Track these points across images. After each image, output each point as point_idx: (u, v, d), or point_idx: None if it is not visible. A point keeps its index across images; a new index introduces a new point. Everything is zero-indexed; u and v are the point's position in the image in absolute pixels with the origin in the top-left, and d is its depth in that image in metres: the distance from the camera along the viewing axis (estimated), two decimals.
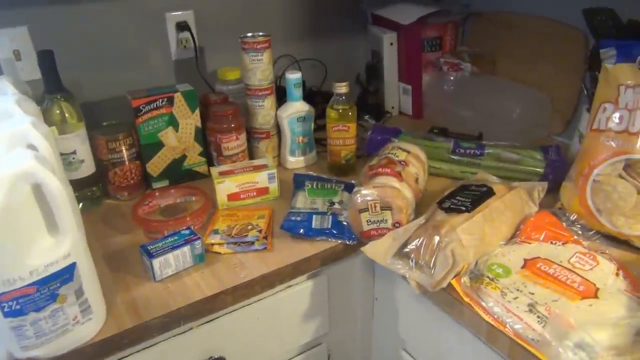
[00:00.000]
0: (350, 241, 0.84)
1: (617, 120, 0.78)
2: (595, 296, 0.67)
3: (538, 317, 0.65)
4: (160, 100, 0.98)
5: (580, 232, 0.82)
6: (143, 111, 0.97)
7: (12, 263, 0.56)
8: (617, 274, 0.72)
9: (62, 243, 0.60)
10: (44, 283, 0.58)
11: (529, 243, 0.79)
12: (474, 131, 1.16)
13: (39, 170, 0.56)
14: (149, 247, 0.77)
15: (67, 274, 0.60)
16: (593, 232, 0.82)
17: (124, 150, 0.97)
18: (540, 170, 0.97)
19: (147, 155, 1.01)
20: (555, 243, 0.79)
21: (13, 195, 0.54)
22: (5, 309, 0.56)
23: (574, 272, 0.71)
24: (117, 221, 0.93)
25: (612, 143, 0.78)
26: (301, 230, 0.85)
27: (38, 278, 0.57)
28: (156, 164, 1.02)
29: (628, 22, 0.88)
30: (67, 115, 0.90)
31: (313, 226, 0.86)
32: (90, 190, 0.97)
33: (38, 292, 0.58)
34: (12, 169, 0.55)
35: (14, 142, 0.63)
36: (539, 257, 0.75)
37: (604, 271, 0.72)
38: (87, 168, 0.95)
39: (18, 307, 0.57)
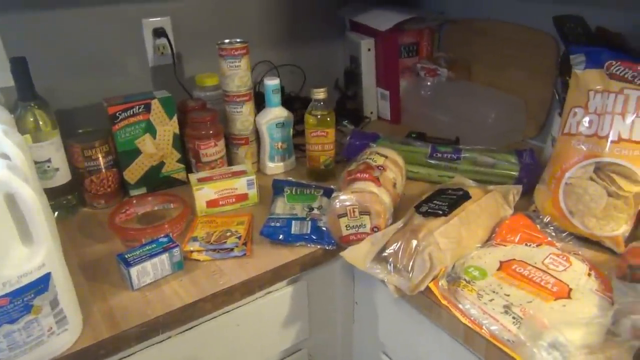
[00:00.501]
0: (330, 246, 0.85)
1: (587, 125, 0.80)
2: (569, 296, 0.69)
3: (513, 318, 0.66)
4: (137, 107, 0.97)
5: (553, 234, 0.84)
6: (120, 118, 0.96)
7: None
8: (589, 275, 0.74)
9: (36, 253, 0.59)
10: (18, 294, 0.57)
11: (505, 245, 0.81)
12: (451, 136, 1.18)
13: (12, 180, 0.55)
14: (126, 256, 0.76)
15: (42, 284, 0.59)
16: (566, 233, 0.84)
17: (101, 158, 0.96)
18: (515, 173, 0.99)
19: (124, 162, 1.00)
20: (530, 245, 0.81)
21: None
22: None
23: (548, 273, 0.73)
24: (93, 230, 0.92)
25: (583, 147, 0.80)
26: (280, 236, 0.85)
27: (11, 289, 0.56)
28: (133, 172, 1.01)
29: (596, 30, 0.91)
30: (41, 123, 0.88)
31: (292, 232, 0.86)
32: (66, 199, 0.95)
33: (11, 304, 0.57)
34: None
35: None
36: (514, 259, 0.77)
37: (577, 272, 0.74)
38: (63, 176, 0.93)
39: None
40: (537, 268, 0.74)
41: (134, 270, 0.74)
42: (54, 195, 0.92)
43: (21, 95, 0.88)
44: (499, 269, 0.75)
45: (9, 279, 0.56)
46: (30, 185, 0.58)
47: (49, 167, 0.90)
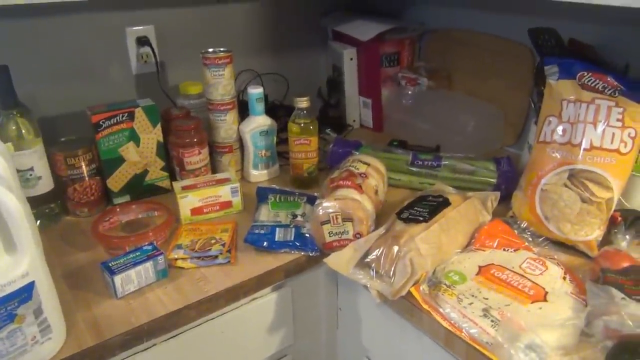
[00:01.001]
0: (313, 253, 0.86)
1: (560, 133, 0.83)
2: (545, 299, 0.71)
3: (492, 321, 0.68)
4: (121, 115, 0.97)
5: (530, 238, 0.87)
6: (103, 126, 0.96)
7: None
8: (564, 278, 0.76)
9: (19, 262, 0.59)
10: (1, 303, 0.57)
11: (483, 250, 0.83)
12: (431, 143, 1.20)
13: None
14: (110, 264, 0.76)
15: (25, 293, 0.59)
16: (542, 238, 0.87)
17: (84, 166, 0.96)
18: (493, 180, 1.01)
19: (107, 170, 1.00)
20: (508, 250, 0.83)
21: None
22: None
23: (525, 277, 0.75)
24: (77, 238, 0.92)
25: (557, 154, 0.83)
26: (265, 243, 0.86)
27: None
28: (117, 180, 1.01)
29: (569, 42, 0.94)
30: (23, 131, 0.88)
31: (276, 239, 0.87)
32: (49, 207, 0.95)
33: None
34: None
35: None
36: (492, 264, 0.79)
37: (553, 275, 0.76)
38: (45, 185, 0.93)
39: None
40: (514, 272, 0.76)
41: (117, 279, 0.74)
42: (36, 204, 0.91)
43: (3, 103, 0.87)
44: (478, 274, 0.77)
45: None
46: (13, 193, 0.58)
47: (31, 175, 0.90)
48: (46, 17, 1.04)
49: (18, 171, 0.87)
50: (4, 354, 0.59)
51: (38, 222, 0.92)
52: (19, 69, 0.90)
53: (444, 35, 1.36)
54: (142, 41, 1.16)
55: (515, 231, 0.87)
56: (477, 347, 0.66)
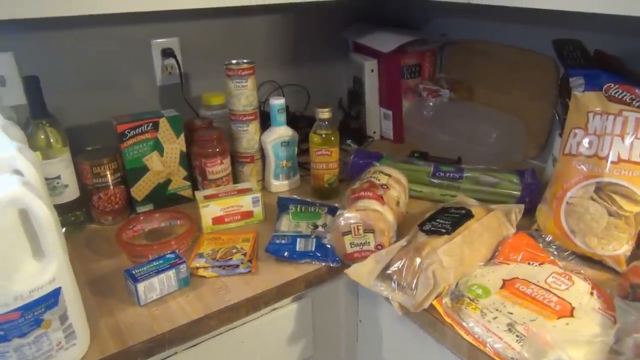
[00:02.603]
0: (334, 263, 0.86)
1: (587, 145, 0.82)
2: (571, 315, 0.70)
3: (517, 336, 0.66)
4: (146, 125, 0.99)
5: (556, 252, 0.85)
6: (128, 136, 0.98)
7: None
8: (591, 293, 0.74)
9: (47, 268, 0.60)
10: (29, 308, 0.58)
11: (507, 264, 0.82)
12: (453, 155, 1.19)
13: (26, 196, 0.57)
14: (133, 272, 0.77)
15: (52, 299, 0.60)
16: (568, 252, 0.85)
17: (109, 175, 0.97)
18: (517, 193, 1.00)
19: (131, 179, 1.01)
20: (533, 264, 0.81)
21: (0, 220, 0.55)
22: None
23: (551, 291, 0.74)
24: (101, 246, 0.93)
25: (583, 167, 0.82)
26: (285, 253, 0.86)
27: (23, 303, 0.57)
28: (141, 188, 1.03)
29: (595, 53, 0.93)
30: (52, 140, 0.90)
31: (297, 249, 0.87)
32: (74, 215, 0.97)
33: (22, 318, 0.58)
34: None
35: (0, 168, 0.63)
36: (517, 278, 0.77)
37: (579, 291, 0.75)
38: (71, 193, 0.95)
39: (2, 333, 0.57)
40: (539, 287, 0.75)
41: (141, 286, 0.75)
42: (62, 212, 0.93)
43: (33, 113, 0.90)
44: (502, 287, 0.76)
45: (20, 293, 0.57)
46: (43, 201, 0.60)
47: (58, 183, 0.92)
48: (75, 30, 1.07)
49: (46, 179, 0.89)
50: (30, 358, 0.60)
51: (64, 229, 0.93)
52: (48, 79, 0.92)
53: (466, 46, 1.36)
54: (167, 53, 1.18)
55: (540, 245, 0.86)
56: None
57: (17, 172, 0.64)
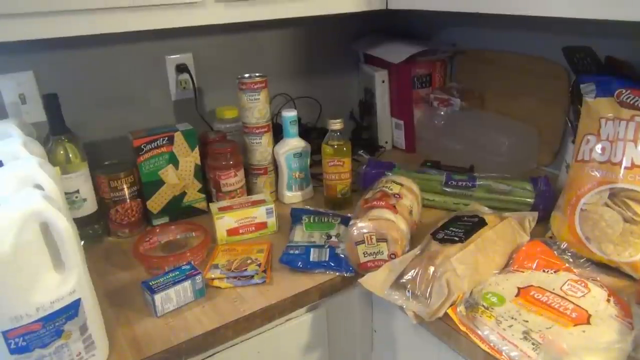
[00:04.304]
0: (348, 273, 0.86)
1: (599, 151, 0.81)
2: (588, 322, 0.69)
3: (533, 344, 0.66)
4: (161, 139, 1.01)
5: (571, 260, 0.84)
6: (144, 150, 1.00)
7: (19, 300, 0.57)
8: (608, 301, 0.73)
9: (67, 279, 0.61)
10: (50, 319, 0.59)
11: (522, 272, 0.81)
12: (465, 164, 1.19)
13: (48, 210, 0.59)
14: (150, 283, 0.78)
15: (72, 310, 0.62)
16: (584, 259, 0.84)
17: (126, 189, 0.99)
18: (531, 200, 0.99)
19: (148, 193, 1.03)
20: (548, 271, 0.81)
21: (23, 234, 0.57)
22: (12, 346, 0.58)
23: (567, 299, 0.73)
24: (118, 258, 0.95)
25: (597, 173, 0.81)
26: (299, 264, 0.87)
27: (44, 314, 0.59)
28: (157, 201, 1.04)
29: (607, 59, 0.93)
30: (70, 155, 0.93)
31: (311, 259, 0.88)
32: (92, 228, 0.99)
33: (44, 329, 0.59)
34: (22, 209, 0.57)
35: (22, 183, 0.65)
36: (532, 286, 0.77)
37: (596, 298, 0.74)
38: (90, 206, 0.97)
39: (24, 343, 0.58)
40: (555, 294, 0.74)
41: (158, 297, 0.76)
42: (81, 225, 0.94)
43: (52, 129, 0.92)
44: (517, 295, 0.75)
45: (42, 304, 0.59)
46: (63, 214, 0.61)
47: (77, 197, 0.94)
48: (92, 48, 1.10)
49: (65, 194, 0.91)
50: None
51: (82, 242, 0.95)
52: (66, 97, 0.95)
53: (476, 55, 1.36)
54: (181, 68, 1.21)
55: (555, 252, 0.85)
56: None
57: (38, 187, 0.66)
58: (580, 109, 0.87)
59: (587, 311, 0.71)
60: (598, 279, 0.79)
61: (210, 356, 0.78)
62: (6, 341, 0.57)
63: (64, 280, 0.61)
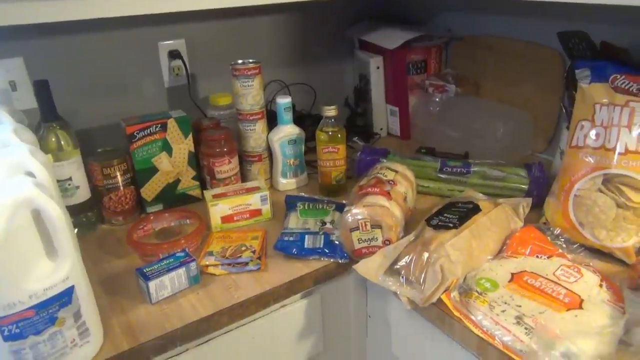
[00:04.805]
0: (342, 260, 0.86)
1: (594, 137, 0.81)
2: (580, 307, 0.70)
3: (525, 328, 0.67)
4: (154, 126, 1.00)
5: (564, 245, 0.85)
6: (137, 137, 0.99)
7: (12, 287, 0.57)
8: (600, 286, 0.74)
9: (60, 267, 0.61)
10: (43, 306, 0.59)
11: (516, 257, 0.82)
12: (460, 150, 1.19)
13: (39, 197, 0.58)
14: (144, 270, 0.78)
15: (66, 297, 0.62)
16: (577, 245, 0.85)
17: (119, 176, 0.99)
18: (525, 186, 1.00)
19: (141, 180, 1.02)
20: (541, 257, 0.81)
21: (14, 221, 0.56)
22: (5, 333, 0.58)
23: (560, 284, 0.74)
24: (112, 246, 0.94)
25: (591, 159, 0.82)
26: (294, 250, 0.87)
27: (37, 302, 0.59)
28: (150, 189, 1.04)
29: (601, 45, 0.92)
30: (62, 142, 0.92)
31: (306, 246, 0.88)
32: (86, 216, 0.98)
33: (37, 316, 0.59)
34: (13, 196, 0.57)
35: (13, 170, 0.65)
36: (525, 271, 0.77)
37: (588, 283, 0.74)
38: (83, 194, 0.96)
39: (17, 330, 0.58)
40: (548, 279, 0.75)
41: (152, 284, 0.76)
42: (74, 213, 0.94)
43: (44, 116, 0.91)
44: (510, 281, 0.76)
45: (35, 292, 0.59)
46: (55, 202, 0.61)
47: (69, 185, 0.94)
48: (83, 34, 1.08)
49: (57, 181, 0.91)
50: (45, 355, 0.62)
51: (76, 230, 0.95)
52: (57, 83, 0.94)
53: (471, 41, 1.36)
54: (174, 54, 1.19)
55: (549, 238, 0.86)
56: (511, 354, 0.65)
57: (30, 174, 0.65)
58: (575, 95, 0.87)
59: (579, 296, 0.71)
60: (591, 264, 0.80)
61: (205, 342, 0.79)
62: (0, 328, 0.57)
63: (57, 268, 0.61)
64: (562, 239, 0.86)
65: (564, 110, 1.04)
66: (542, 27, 1.17)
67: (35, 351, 0.60)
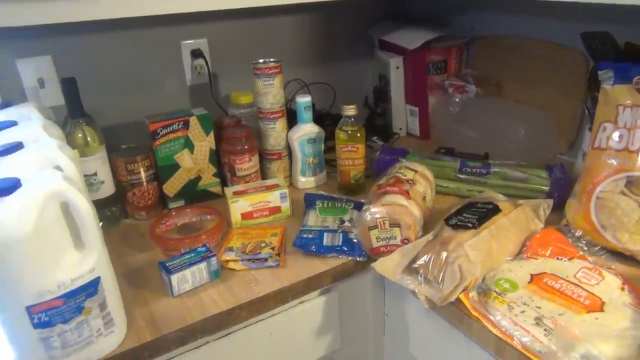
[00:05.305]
0: (361, 258, 0.87)
1: (617, 139, 0.80)
2: (601, 310, 0.69)
3: (545, 329, 0.66)
4: (177, 124, 1.02)
5: (585, 247, 0.84)
6: (160, 134, 1.01)
7: (43, 277, 0.59)
8: (622, 289, 0.73)
9: (87, 258, 0.63)
10: (71, 296, 0.61)
11: (536, 259, 0.81)
12: (480, 151, 1.19)
13: (68, 190, 0.60)
14: (167, 264, 0.80)
15: (92, 287, 0.63)
16: (598, 247, 0.84)
17: (142, 172, 1.01)
18: (546, 188, 0.99)
19: (164, 176, 1.04)
20: (561, 259, 0.81)
21: (44, 213, 0.58)
22: (35, 321, 0.60)
23: (580, 286, 0.73)
24: (135, 240, 0.97)
25: (613, 161, 0.81)
26: (313, 247, 0.87)
27: (65, 291, 0.61)
28: (172, 185, 1.06)
29: (625, 45, 0.91)
30: (89, 138, 0.94)
31: (324, 243, 0.88)
32: (110, 210, 1.00)
33: (65, 305, 0.61)
34: (44, 190, 0.59)
35: (43, 164, 0.67)
36: (545, 273, 0.77)
37: (610, 285, 0.74)
38: (107, 189, 0.99)
39: (47, 318, 0.60)
40: (568, 281, 0.74)
41: (174, 278, 0.78)
42: (99, 207, 0.95)
43: (71, 113, 0.94)
44: (530, 282, 0.75)
45: (63, 282, 0.60)
46: (83, 195, 0.63)
47: (95, 180, 0.96)
48: (109, 33, 1.11)
49: (84, 176, 0.93)
50: (72, 343, 0.63)
51: (100, 224, 0.97)
52: (84, 81, 0.96)
53: (493, 41, 1.35)
54: (196, 54, 1.21)
55: (570, 240, 0.85)
56: (529, 355, 0.65)
57: (58, 168, 0.67)
58: (598, 96, 0.86)
59: (600, 299, 0.70)
60: (612, 267, 0.79)
61: (224, 336, 0.80)
62: (30, 316, 0.59)
63: (84, 259, 0.63)
64: (584, 241, 0.85)
65: (586, 112, 1.03)
66: (565, 28, 1.15)
67: (62, 339, 0.62)
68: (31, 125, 0.79)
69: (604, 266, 0.78)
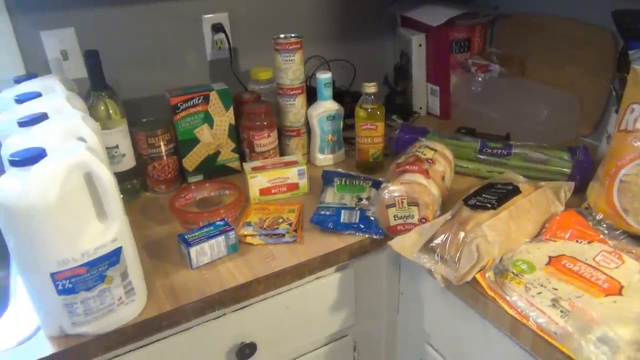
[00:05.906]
0: (377, 235, 0.87)
1: None
2: (620, 293, 0.68)
3: (561, 311, 0.66)
4: (197, 98, 1.02)
5: (606, 231, 0.83)
6: (181, 108, 1.02)
7: (66, 245, 0.61)
8: None
9: (110, 228, 0.64)
10: (94, 264, 0.63)
11: (555, 241, 0.80)
12: (501, 132, 1.17)
13: (92, 160, 0.61)
14: (186, 236, 0.81)
15: (114, 257, 0.65)
16: (619, 231, 0.83)
17: (162, 146, 1.02)
18: (568, 170, 0.97)
19: (183, 150, 1.05)
20: (581, 242, 0.80)
21: (68, 183, 0.59)
22: (59, 287, 0.61)
23: (599, 270, 0.73)
24: (155, 213, 0.98)
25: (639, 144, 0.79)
26: (330, 224, 0.88)
27: (89, 259, 0.62)
28: (192, 159, 1.07)
29: None
30: (111, 111, 0.95)
31: (342, 220, 0.89)
32: (131, 183, 1.02)
33: (88, 273, 0.63)
34: (68, 160, 0.60)
35: (66, 135, 0.68)
36: (564, 255, 0.76)
37: (630, 269, 0.73)
38: (128, 162, 1.00)
39: (70, 285, 0.62)
40: (587, 264, 0.74)
41: (193, 250, 0.79)
42: (120, 180, 0.96)
43: (93, 85, 0.95)
44: (547, 264, 0.75)
45: (86, 250, 0.62)
46: (106, 166, 0.64)
47: (116, 152, 0.97)
48: (131, 6, 1.11)
49: (105, 148, 0.94)
50: (95, 310, 0.65)
51: (121, 196, 0.99)
52: (106, 54, 0.97)
53: (518, 20, 1.31)
54: (217, 28, 1.21)
55: (590, 223, 0.84)
56: (545, 336, 0.65)
57: (81, 139, 0.69)
58: (627, 77, 0.84)
59: (619, 282, 0.70)
60: (633, 251, 0.78)
61: (241, 308, 0.82)
62: (54, 282, 0.61)
63: (107, 229, 0.64)
64: (604, 225, 0.84)
65: (613, 93, 1.00)
66: (594, 6, 1.12)
67: (85, 306, 0.64)
68: (55, 97, 0.80)
69: (624, 250, 0.77)
